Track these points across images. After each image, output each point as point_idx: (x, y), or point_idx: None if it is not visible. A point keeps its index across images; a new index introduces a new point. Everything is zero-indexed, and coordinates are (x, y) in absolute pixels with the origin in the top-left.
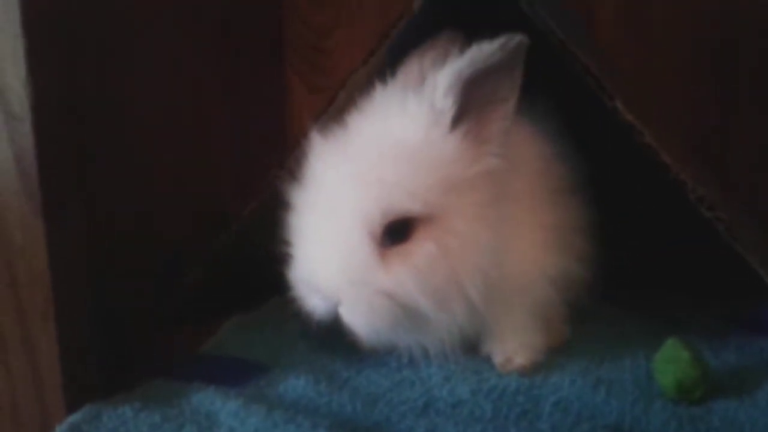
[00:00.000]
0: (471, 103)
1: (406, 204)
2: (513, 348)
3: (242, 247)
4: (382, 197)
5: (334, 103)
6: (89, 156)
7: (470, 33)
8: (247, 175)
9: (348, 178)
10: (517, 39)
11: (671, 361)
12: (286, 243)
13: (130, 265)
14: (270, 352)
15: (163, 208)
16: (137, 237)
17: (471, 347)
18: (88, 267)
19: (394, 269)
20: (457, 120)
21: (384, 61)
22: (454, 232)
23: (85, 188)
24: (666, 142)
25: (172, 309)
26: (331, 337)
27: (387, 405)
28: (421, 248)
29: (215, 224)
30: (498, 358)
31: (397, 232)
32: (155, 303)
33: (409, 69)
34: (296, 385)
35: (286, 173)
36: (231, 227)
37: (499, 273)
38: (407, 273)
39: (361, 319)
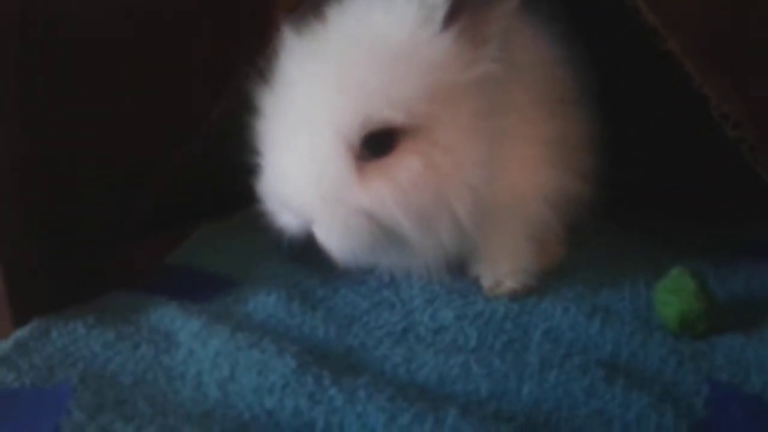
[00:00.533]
0: None
1: (388, 113)
2: (503, 271)
3: (211, 153)
4: (361, 104)
5: None
6: (37, 52)
7: None
8: (226, 74)
9: (323, 81)
10: None
11: (675, 291)
12: (255, 152)
13: (87, 171)
14: (240, 265)
15: (126, 111)
16: (96, 142)
17: (457, 268)
18: (35, 174)
19: (373, 186)
20: (451, 17)
21: None
22: (442, 145)
23: (29, 85)
24: (690, 50)
25: (135, 218)
26: (306, 251)
27: (363, 328)
28: (404, 162)
29: (186, 129)
30: (486, 281)
31: (377, 144)
32: (117, 212)
33: None
34: (266, 302)
35: (258, 73)
36: (199, 132)
37: (491, 190)
38: (388, 190)
39: (335, 239)
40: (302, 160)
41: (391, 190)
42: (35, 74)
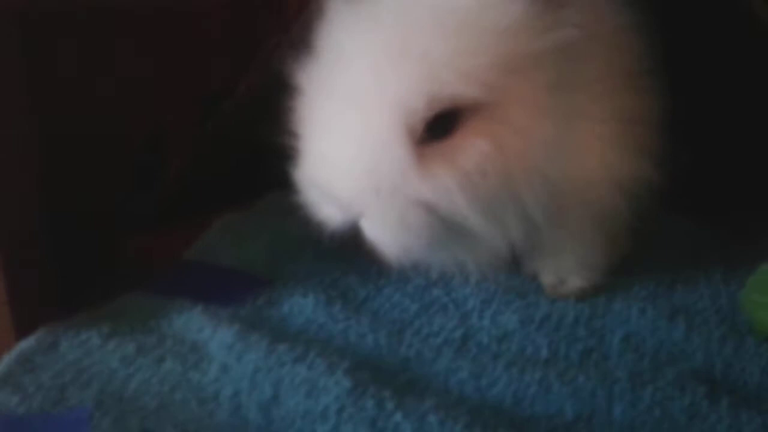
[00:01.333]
0: None
1: (459, 87)
2: (568, 267)
3: (235, 133)
4: (427, 78)
5: None
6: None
7: None
8: (245, 44)
9: (379, 50)
10: None
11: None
12: (291, 134)
13: (97, 153)
14: (270, 261)
15: (138, 87)
16: (106, 122)
17: (511, 264)
18: (39, 155)
19: (435, 173)
20: None
21: None
22: (513, 125)
23: (36, 65)
24: None
25: (150, 207)
26: (343, 245)
27: (416, 336)
28: (471, 146)
29: (204, 105)
30: (548, 279)
31: (441, 124)
32: (129, 200)
33: None
34: (304, 305)
35: (291, 42)
36: (221, 109)
37: (562, 176)
38: (453, 178)
39: (389, 235)
40: (353, 145)
41: (457, 177)
42: (42, 51)
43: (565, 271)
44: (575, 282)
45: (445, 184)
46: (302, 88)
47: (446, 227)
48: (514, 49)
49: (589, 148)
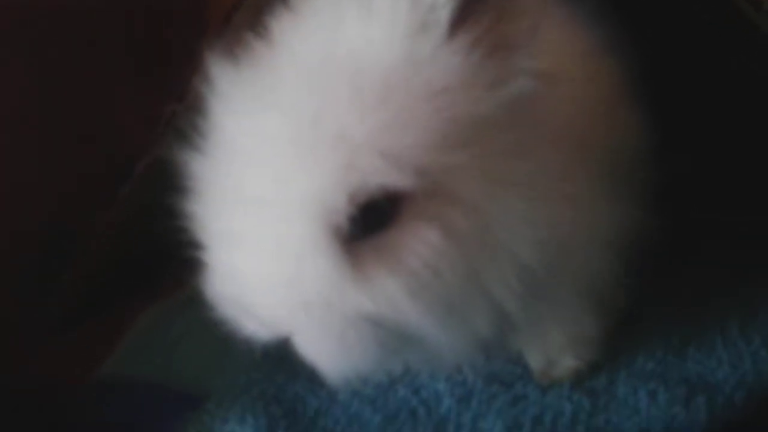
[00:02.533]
0: None
1: (386, 173)
2: (557, 345)
3: (139, 219)
4: (346, 167)
5: None
6: None
7: None
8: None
9: (281, 137)
10: None
11: None
12: (193, 240)
13: None
14: (200, 371)
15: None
16: None
17: (491, 346)
18: None
19: (373, 275)
20: (460, 20)
21: None
22: (465, 204)
23: None
24: None
25: (50, 313)
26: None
27: None
28: (415, 238)
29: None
30: (536, 362)
31: (373, 215)
32: (23, 309)
33: None
34: None
35: (180, 131)
36: (121, 193)
37: (537, 251)
38: (396, 281)
39: (327, 355)
40: (269, 255)
41: (400, 277)
42: None
43: (554, 350)
44: (568, 362)
45: (386, 290)
46: (195, 187)
47: (397, 337)
48: (455, 113)
49: (562, 209)
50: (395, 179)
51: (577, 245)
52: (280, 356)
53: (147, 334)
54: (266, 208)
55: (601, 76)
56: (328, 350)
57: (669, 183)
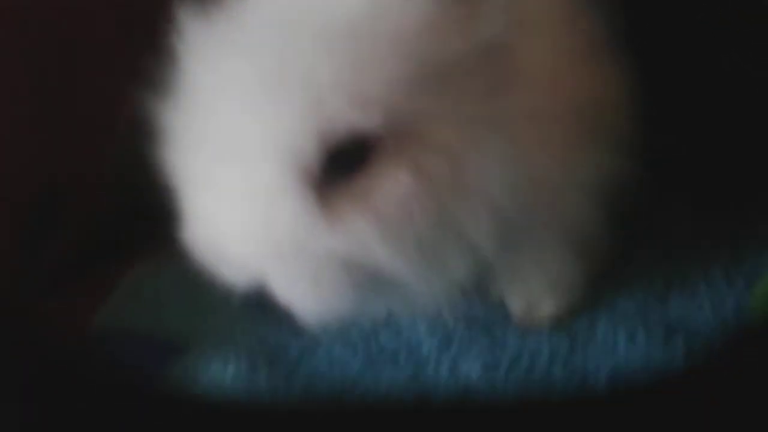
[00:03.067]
0: None
1: (355, 116)
2: (538, 290)
3: (125, 174)
4: (314, 109)
5: None
6: None
7: None
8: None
9: (250, 80)
10: None
11: None
12: (168, 188)
13: None
14: (187, 321)
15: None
16: None
17: (472, 289)
18: None
19: (345, 218)
20: None
21: None
22: (436, 145)
23: None
24: None
25: (49, 267)
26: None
27: (359, 402)
28: (387, 180)
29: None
30: (516, 306)
31: (344, 158)
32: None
33: None
34: (223, 376)
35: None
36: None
37: (511, 192)
38: (366, 221)
39: (303, 298)
40: (239, 200)
41: (372, 220)
42: None
43: (535, 294)
44: (549, 306)
45: (359, 230)
46: (165, 133)
47: (372, 279)
48: (425, 59)
49: (539, 151)
50: (364, 120)
51: (554, 189)
52: (261, 305)
53: (135, 288)
54: (235, 152)
55: (578, 27)
56: (301, 292)
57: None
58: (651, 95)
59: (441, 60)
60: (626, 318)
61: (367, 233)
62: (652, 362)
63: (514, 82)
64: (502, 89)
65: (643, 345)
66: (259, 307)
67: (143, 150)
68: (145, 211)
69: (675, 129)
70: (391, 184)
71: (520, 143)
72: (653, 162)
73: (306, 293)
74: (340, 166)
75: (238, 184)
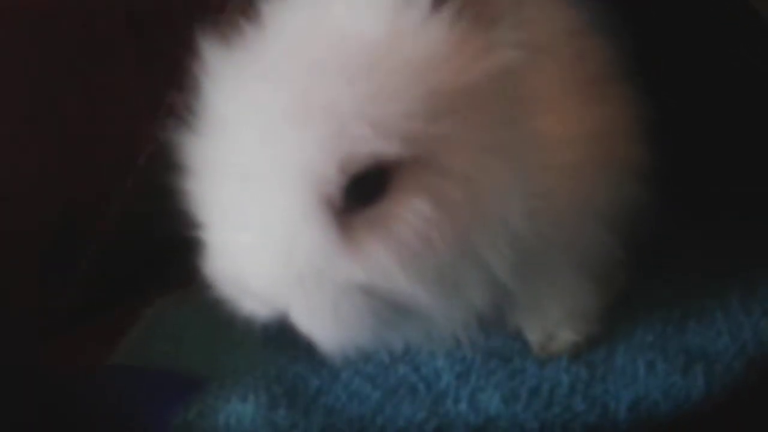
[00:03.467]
0: None
1: (376, 143)
2: (555, 319)
3: (145, 208)
4: (336, 137)
5: None
6: None
7: None
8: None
9: (273, 110)
10: None
11: None
12: (191, 223)
13: None
14: (207, 355)
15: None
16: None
17: (489, 320)
18: None
19: (366, 247)
20: None
21: None
22: (455, 173)
23: None
24: None
25: (67, 304)
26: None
27: None
28: (405, 207)
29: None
30: (534, 336)
31: (364, 187)
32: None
33: None
34: (242, 413)
35: (179, 117)
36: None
37: (528, 219)
38: (388, 252)
39: (324, 328)
40: (260, 229)
41: (392, 248)
42: None
43: (552, 324)
44: (566, 336)
45: (379, 261)
46: (190, 165)
47: (393, 308)
48: (440, 85)
49: (554, 178)
50: (383, 147)
51: (572, 216)
52: (281, 337)
53: (155, 324)
54: (257, 181)
55: (589, 54)
56: (323, 322)
57: (669, 158)
58: (663, 121)
59: (456, 87)
60: (645, 348)
61: (387, 260)
62: (672, 391)
63: (527, 110)
64: (517, 117)
65: (663, 374)
66: (280, 339)
67: (165, 181)
68: (165, 244)
69: (686, 154)
70: (410, 212)
71: (537, 170)
72: (665, 188)
73: (327, 323)
74: (360, 195)
75: (258, 213)
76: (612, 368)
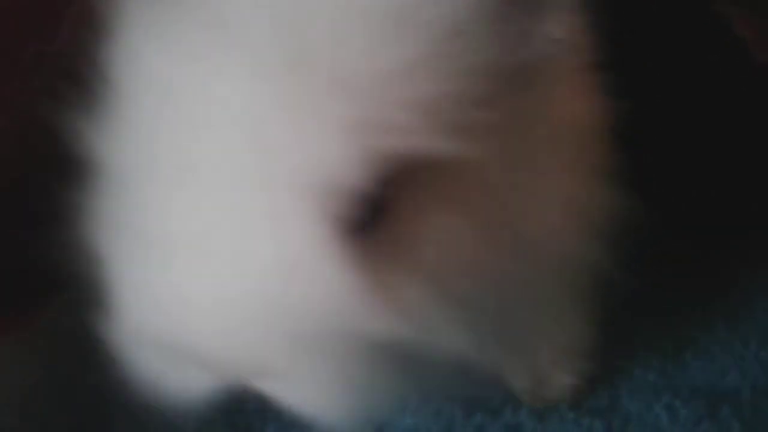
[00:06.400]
0: None
1: (398, 146)
2: (547, 361)
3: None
4: (352, 124)
5: None
6: None
7: None
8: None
9: (252, 84)
10: None
11: None
12: (83, 245)
13: None
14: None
15: None
16: None
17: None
18: None
19: (390, 282)
20: None
21: None
22: (488, 186)
23: None
24: None
25: None
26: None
27: None
28: (437, 224)
29: None
30: (523, 384)
31: (376, 201)
32: None
33: None
34: None
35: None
36: None
37: (529, 228)
38: (419, 286)
39: (324, 401)
40: (231, 265)
41: (426, 280)
42: None
43: (543, 366)
44: (561, 379)
45: (411, 301)
46: (101, 162)
47: (418, 363)
48: (479, 63)
49: (545, 182)
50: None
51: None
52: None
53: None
54: (224, 189)
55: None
56: (328, 395)
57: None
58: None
59: (495, 69)
60: (650, 388)
61: (421, 300)
62: None
63: (545, 104)
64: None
65: (690, 421)
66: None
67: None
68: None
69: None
70: (445, 231)
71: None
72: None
73: (333, 395)
74: (372, 210)
75: (232, 241)
76: (626, 416)
